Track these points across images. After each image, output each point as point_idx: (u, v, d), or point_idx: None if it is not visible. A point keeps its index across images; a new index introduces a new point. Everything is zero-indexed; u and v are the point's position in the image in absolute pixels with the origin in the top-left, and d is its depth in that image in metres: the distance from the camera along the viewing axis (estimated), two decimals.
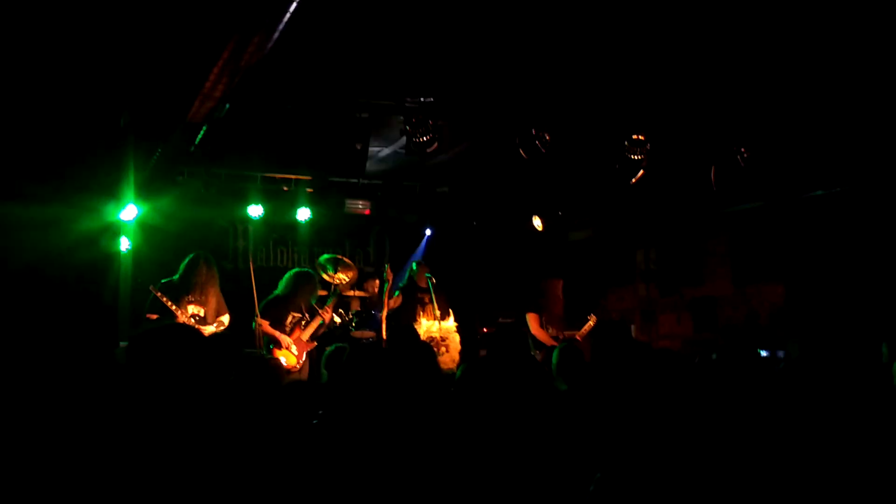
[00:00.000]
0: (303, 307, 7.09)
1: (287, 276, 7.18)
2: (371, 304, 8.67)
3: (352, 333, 8.00)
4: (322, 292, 7.48)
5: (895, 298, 6.63)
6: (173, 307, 6.39)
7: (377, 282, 8.80)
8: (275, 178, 8.48)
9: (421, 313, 8.00)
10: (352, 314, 8.25)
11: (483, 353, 8.35)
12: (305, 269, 7.42)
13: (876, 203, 6.95)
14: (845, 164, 6.87)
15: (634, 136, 7.01)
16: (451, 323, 7.93)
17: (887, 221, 6.86)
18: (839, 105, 6.15)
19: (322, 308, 7.19)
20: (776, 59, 5.53)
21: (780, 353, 7.13)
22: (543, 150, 6.97)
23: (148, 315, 6.45)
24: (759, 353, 3.72)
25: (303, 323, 7.04)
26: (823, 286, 7.47)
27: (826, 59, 5.43)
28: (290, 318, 7.00)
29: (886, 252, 6.87)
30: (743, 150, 7.02)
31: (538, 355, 7.41)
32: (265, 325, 6.85)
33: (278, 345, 6.84)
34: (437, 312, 7.99)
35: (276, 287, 7.19)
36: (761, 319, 8.40)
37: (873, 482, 2.40)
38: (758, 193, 7.73)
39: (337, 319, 7.88)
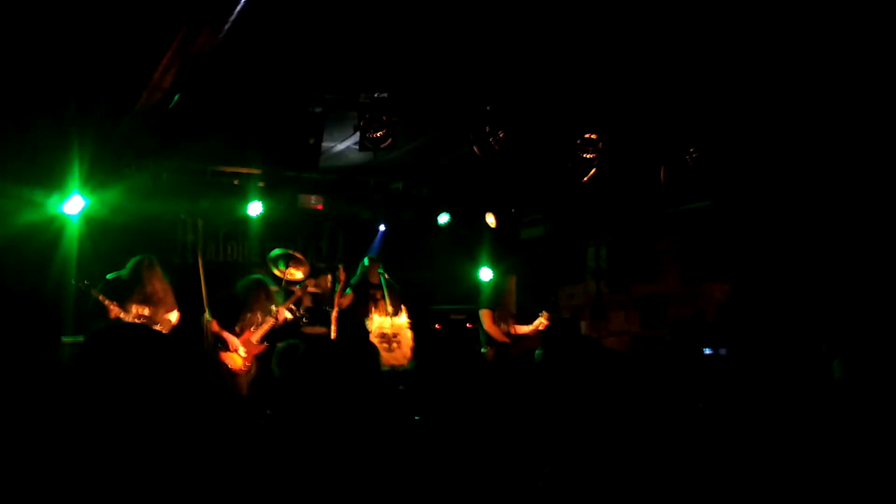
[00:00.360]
0: (257, 312, 7.01)
1: (245, 281, 7.10)
2: (323, 300, 8.60)
3: (303, 329, 7.93)
4: (274, 288, 7.40)
5: (836, 297, 6.83)
6: (114, 307, 6.26)
7: (329, 277, 8.75)
8: (225, 171, 8.34)
9: (373, 309, 7.97)
10: (303, 310, 8.17)
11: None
12: (264, 279, 7.34)
13: (818, 204, 7.15)
14: (789, 165, 7.06)
15: (587, 135, 7.10)
16: (403, 319, 7.91)
17: (828, 222, 7.07)
18: (782, 109, 6.32)
19: (277, 308, 7.13)
20: (726, 63, 5.65)
21: (723, 351, 7.28)
22: (497, 148, 7.01)
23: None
24: (703, 350, 3.81)
25: (253, 326, 6.96)
26: (768, 284, 7.66)
27: (776, 61, 5.56)
28: (240, 322, 6.92)
29: (827, 252, 7.08)
30: (692, 150, 7.16)
31: (490, 352, 7.47)
32: (214, 325, 6.75)
33: (226, 346, 6.74)
34: (390, 308, 7.96)
35: (228, 284, 7.10)
36: (708, 317, 8.57)
37: (813, 474, 2.47)
38: (706, 193, 7.88)
39: (288, 315, 7.80)
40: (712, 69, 5.80)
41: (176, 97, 5.72)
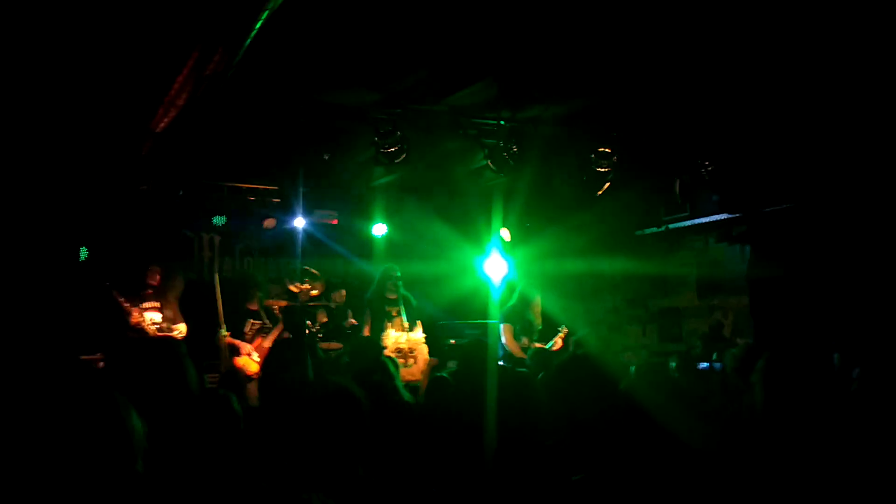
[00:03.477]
0: (262, 314, 7.06)
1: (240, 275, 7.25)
2: (338, 316, 8.60)
3: (320, 346, 7.92)
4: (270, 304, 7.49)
5: (848, 308, 6.74)
6: (135, 311, 6.40)
7: (343, 292, 8.75)
8: (241, 187, 8.40)
9: (388, 325, 7.94)
10: (318, 326, 8.17)
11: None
12: (256, 275, 7.45)
13: (831, 217, 7.07)
14: (802, 180, 7.00)
15: (601, 149, 7.08)
16: (419, 334, 7.88)
17: (841, 235, 6.98)
18: (801, 121, 6.27)
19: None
20: (742, 72, 5.62)
21: (718, 365, 7.20)
22: (512, 162, 7.02)
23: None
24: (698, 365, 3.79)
25: (264, 332, 7.01)
26: (785, 297, 7.57)
27: (789, 70, 5.53)
28: (248, 326, 6.97)
29: (841, 265, 6.99)
30: (707, 163, 7.12)
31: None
32: (227, 337, 6.84)
33: (238, 352, 6.80)
34: (406, 324, 7.92)
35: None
36: (725, 329, 8.49)
37: (826, 482, 2.44)
38: (723, 206, 7.83)
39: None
40: (726, 81, 5.78)
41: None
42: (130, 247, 7.82)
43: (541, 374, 4.35)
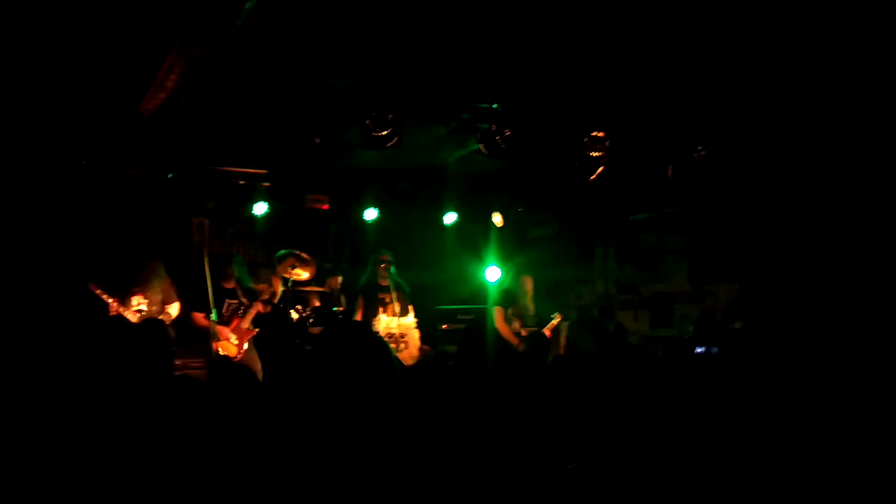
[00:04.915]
0: (238, 293, 6.99)
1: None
2: (330, 300, 8.56)
3: (309, 330, 7.90)
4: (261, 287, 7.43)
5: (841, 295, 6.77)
6: (114, 303, 6.34)
7: (338, 279, 8.71)
8: (231, 171, 8.32)
9: (381, 310, 7.91)
10: (310, 310, 8.14)
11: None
12: (235, 255, 7.40)
13: (823, 205, 7.08)
14: (796, 163, 6.99)
15: (594, 133, 7.03)
16: (410, 319, 7.86)
17: (831, 224, 7.00)
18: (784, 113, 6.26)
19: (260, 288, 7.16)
20: (734, 60, 5.59)
21: (715, 350, 7.21)
22: (504, 147, 6.96)
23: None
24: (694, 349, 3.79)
25: (240, 311, 6.94)
26: (776, 284, 7.59)
27: (785, 58, 5.50)
28: (225, 307, 6.91)
29: (831, 252, 7.01)
30: (700, 148, 7.09)
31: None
32: (199, 317, 6.78)
33: (217, 336, 6.75)
34: (398, 309, 7.90)
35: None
36: (716, 315, 8.51)
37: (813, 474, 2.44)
38: (714, 191, 7.82)
39: (294, 315, 7.77)
40: (721, 66, 5.74)
41: (181, 98, 5.70)
42: (118, 232, 7.78)
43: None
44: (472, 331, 8.33)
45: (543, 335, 7.50)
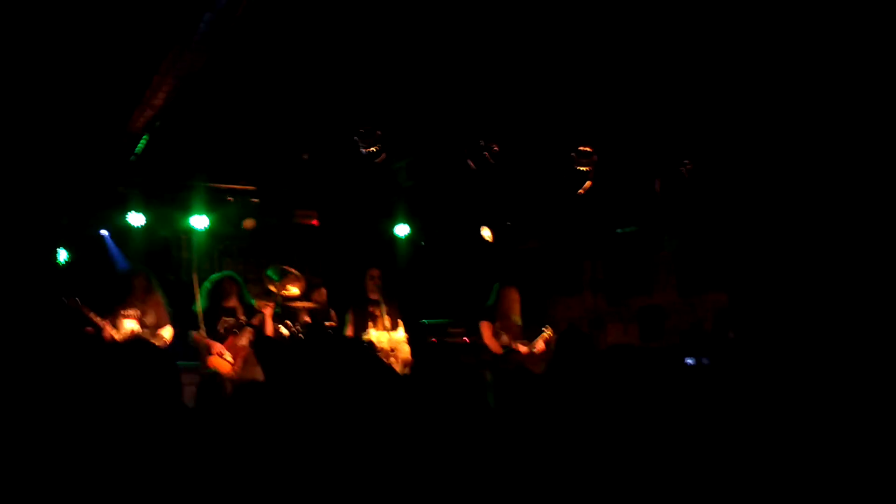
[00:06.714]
0: (237, 312, 6.97)
1: (202, 289, 7.07)
2: (320, 315, 8.52)
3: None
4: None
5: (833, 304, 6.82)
6: (107, 326, 6.25)
7: (323, 291, 8.68)
8: (220, 187, 8.31)
9: (371, 325, 7.90)
10: (299, 326, 8.10)
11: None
12: (234, 275, 7.33)
13: (810, 215, 7.14)
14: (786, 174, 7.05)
15: (581, 148, 7.08)
16: (400, 334, 7.85)
17: (825, 229, 7.05)
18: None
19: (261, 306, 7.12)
20: (720, 72, 5.64)
21: (706, 361, 7.24)
22: (492, 161, 7.00)
23: (86, 329, 6.28)
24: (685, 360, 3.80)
25: (236, 329, 6.91)
26: (764, 295, 7.63)
27: (771, 69, 5.56)
28: (220, 324, 6.88)
29: (823, 260, 7.06)
30: (687, 162, 7.15)
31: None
32: (195, 336, 6.75)
33: (209, 351, 6.71)
34: (388, 323, 7.88)
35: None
36: (706, 326, 8.55)
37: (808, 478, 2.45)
38: (702, 204, 7.88)
39: (284, 331, 7.73)
40: (707, 80, 5.80)
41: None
42: (109, 250, 7.74)
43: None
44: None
45: (532, 350, 7.47)
